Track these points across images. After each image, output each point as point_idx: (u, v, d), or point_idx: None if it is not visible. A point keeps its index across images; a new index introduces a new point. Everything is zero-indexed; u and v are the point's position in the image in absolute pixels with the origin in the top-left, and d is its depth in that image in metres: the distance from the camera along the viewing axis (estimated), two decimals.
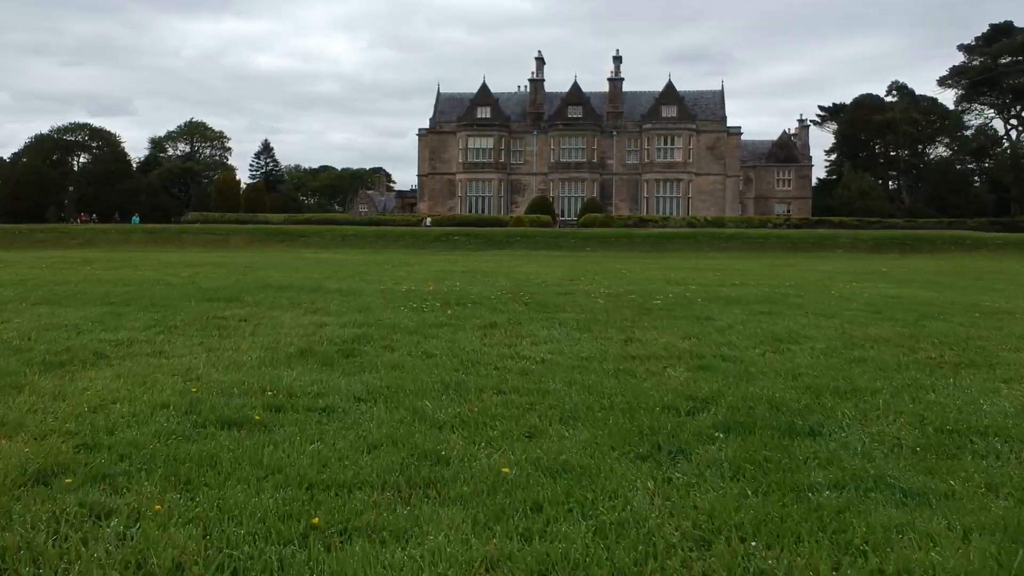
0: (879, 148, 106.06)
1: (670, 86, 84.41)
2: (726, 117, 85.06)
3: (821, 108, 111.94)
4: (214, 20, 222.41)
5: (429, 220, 71.47)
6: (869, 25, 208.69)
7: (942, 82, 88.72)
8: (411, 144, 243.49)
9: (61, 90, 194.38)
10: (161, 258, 26.37)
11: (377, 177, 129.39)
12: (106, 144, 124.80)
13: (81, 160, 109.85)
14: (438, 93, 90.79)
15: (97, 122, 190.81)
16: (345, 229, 41.20)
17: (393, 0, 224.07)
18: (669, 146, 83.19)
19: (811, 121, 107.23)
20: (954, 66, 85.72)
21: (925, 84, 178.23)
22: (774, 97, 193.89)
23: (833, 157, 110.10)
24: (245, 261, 25.60)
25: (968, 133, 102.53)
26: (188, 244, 39.29)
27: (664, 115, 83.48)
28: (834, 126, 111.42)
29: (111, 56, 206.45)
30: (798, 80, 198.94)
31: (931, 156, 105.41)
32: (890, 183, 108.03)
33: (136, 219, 72.63)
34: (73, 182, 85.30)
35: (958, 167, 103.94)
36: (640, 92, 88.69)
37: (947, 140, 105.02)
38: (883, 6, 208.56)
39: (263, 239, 39.63)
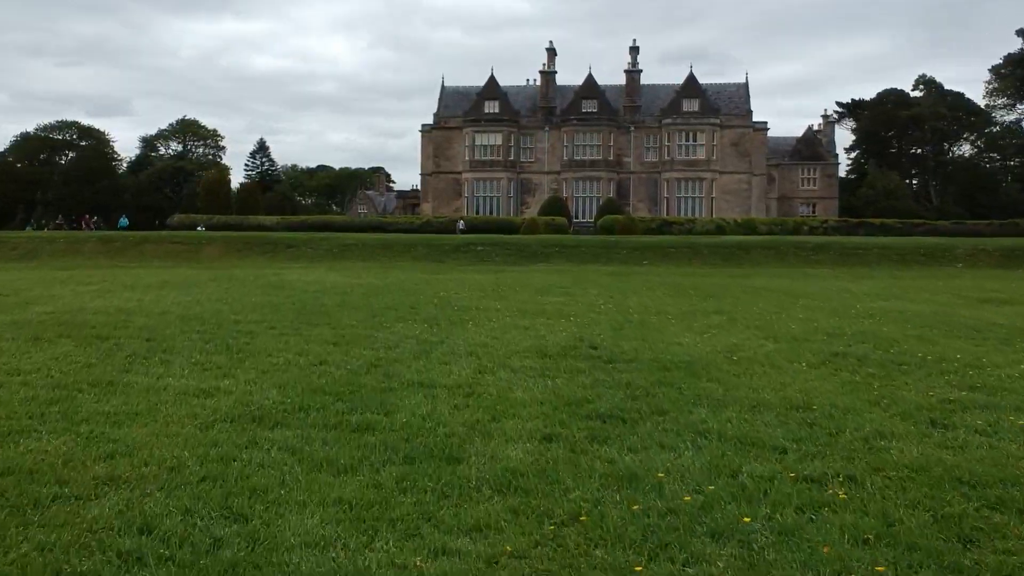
0: (902, 145, 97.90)
1: (691, 78, 75.78)
2: (751, 111, 76.54)
3: (839, 104, 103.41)
4: (213, 20, 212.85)
5: (462, 223, 62.51)
6: (869, 25, 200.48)
7: (995, 70, 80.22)
8: (410, 144, 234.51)
9: (60, 90, 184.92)
10: (41, 286, 17.23)
11: (377, 177, 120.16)
12: (97, 143, 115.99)
13: (70, 159, 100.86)
14: (442, 87, 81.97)
15: (96, 122, 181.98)
16: (344, 237, 31.90)
17: (391, 1, 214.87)
18: (691, 143, 74.62)
19: (822, 116, 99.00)
20: (1009, 54, 77.12)
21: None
22: (773, 97, 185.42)
23: (854, 155, 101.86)
24: (167, 301, 14.67)
25: (995, 130, 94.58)
26: (149, 256, 30.41)
27: (685, 109, 74.83)
28: (852, 123, 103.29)
29: (110, 56, 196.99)
30: (798, 80, 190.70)
31: (957, 154, 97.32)
32: (912, 182, 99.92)
33: (124, 221, 63.42)
34: (53, 182, 76.23)
35: (986, 165, 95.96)
36: (659, 85, 79.95)
37: (972, 137, 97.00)
38: (883, 6, 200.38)
39: (241, 249, 30.62)
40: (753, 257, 28.50)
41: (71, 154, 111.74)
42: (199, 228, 56.21)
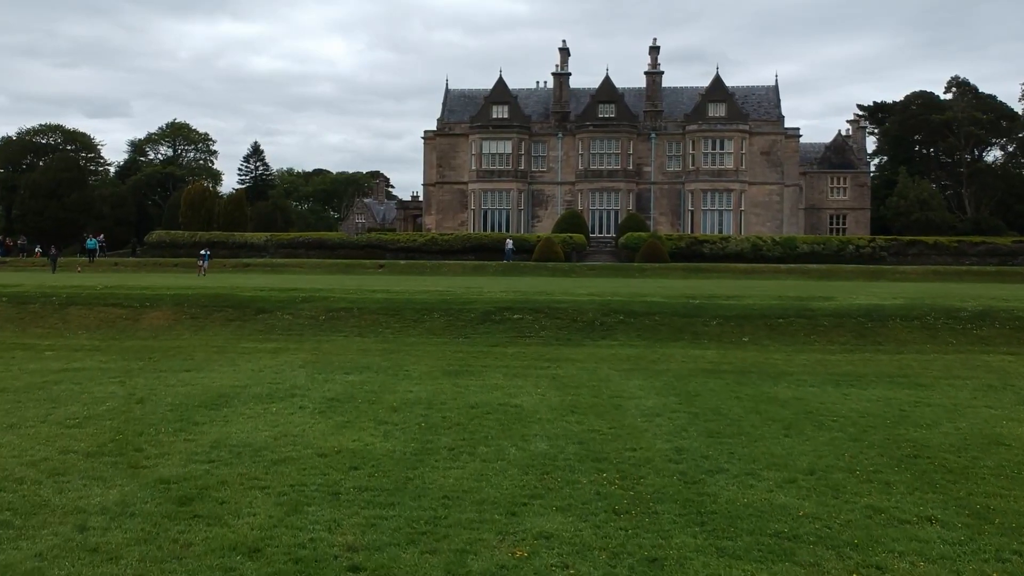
0: (931, 151, 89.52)
1: (718, 80, 67.19)
2: (783, 117, 68.08)
3: (860, 107, 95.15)
4: (209, 22, 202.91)
5: (511, 243, 54.38)
6: (867, 26, 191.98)
7: None
8: (408, 146, 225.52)
9: (57, 92, 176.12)
10: None
11: (375, 184, 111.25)
12: (81, 147, 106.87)
13: (37, 169, 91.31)
14: (446, 90, 73.17)
15: (94, 124, 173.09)
16: (335, 297, 22.40)
17: (389, 2, 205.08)
18: (718, 151, 66.06)
19: (847, 122, 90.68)
20: None
21: (920, 85, 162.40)
22: None
23: (876, 162, 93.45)
24: None
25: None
26: (74, 325, 21.62)
27: (711, 114, 66.27)
28: (872, 127, 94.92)
29: (106, 58, 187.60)
30: (792, 80, 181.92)
31: (989, 160, 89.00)
32: (935, 187, 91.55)
33: (92, 242, 53.60)
34: (19, 195, 66.76)
35: (1019, 172, 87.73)
36: (682, 88, 71.37)
37: (1003, 142, 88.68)
38: (880, 6, 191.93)
39: (197, 315, 21.70)
40: (893, 332, 19.92)
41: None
42: (203, 252, 46.42)
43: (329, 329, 21.17)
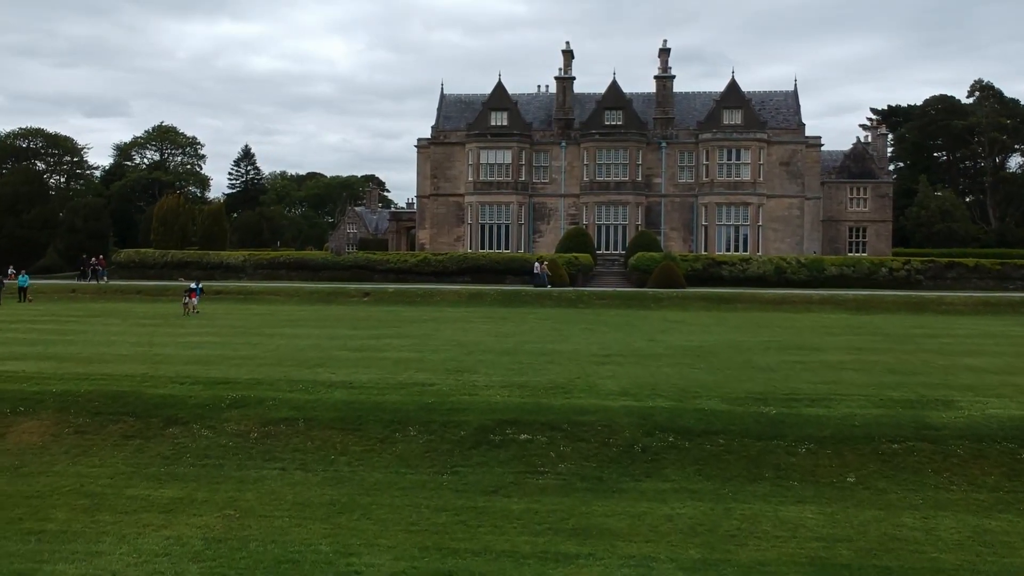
0: (951, 157, 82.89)
1: (733, 85, 60.59)
2: (803, 124, 61.58)
3: (874, 111, 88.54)
4: (209, 22, 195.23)
5: (540, 267, 47.75)
6: (865, 26, 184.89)
7: None
8: (406, 146, 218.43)
9: (55, 92, 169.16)
10: None
11: (369, 191, 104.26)
12: (65, 152, 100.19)
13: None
14: (442, 95, 66.45)
15: (91, 123, 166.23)
16: (276, 397, 15.98)
17: (388, 2, 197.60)
18: (733, 161, 59.54)
19: (861, 126, 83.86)
20: None
21: (920, 85, 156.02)
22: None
23: (892, 168, 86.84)
24: None
25: None
26: None
27: (726, 122, 59.71)
28: (885, 131, 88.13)
29: (105, 58, 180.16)
30: (789, 80, 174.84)
31: (1012, 167, 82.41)
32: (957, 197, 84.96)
33: (23, 280, 44.19)
34: None
35: None
36: (694, 93, 64.80)
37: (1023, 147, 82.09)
38: (879, 7, 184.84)
39: (82, 428, 14.49)
40: None
41: (38, 164, 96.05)
42: (193, 286, 34.30)
43: (261, 456, 14.62)
